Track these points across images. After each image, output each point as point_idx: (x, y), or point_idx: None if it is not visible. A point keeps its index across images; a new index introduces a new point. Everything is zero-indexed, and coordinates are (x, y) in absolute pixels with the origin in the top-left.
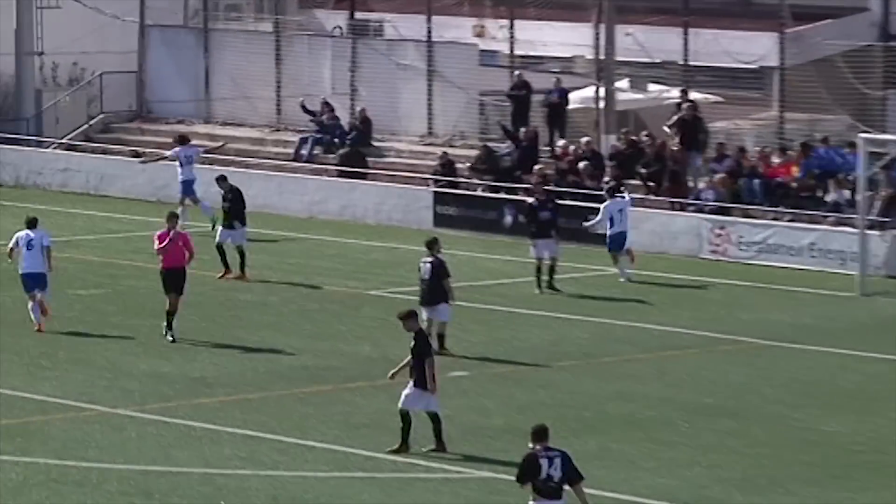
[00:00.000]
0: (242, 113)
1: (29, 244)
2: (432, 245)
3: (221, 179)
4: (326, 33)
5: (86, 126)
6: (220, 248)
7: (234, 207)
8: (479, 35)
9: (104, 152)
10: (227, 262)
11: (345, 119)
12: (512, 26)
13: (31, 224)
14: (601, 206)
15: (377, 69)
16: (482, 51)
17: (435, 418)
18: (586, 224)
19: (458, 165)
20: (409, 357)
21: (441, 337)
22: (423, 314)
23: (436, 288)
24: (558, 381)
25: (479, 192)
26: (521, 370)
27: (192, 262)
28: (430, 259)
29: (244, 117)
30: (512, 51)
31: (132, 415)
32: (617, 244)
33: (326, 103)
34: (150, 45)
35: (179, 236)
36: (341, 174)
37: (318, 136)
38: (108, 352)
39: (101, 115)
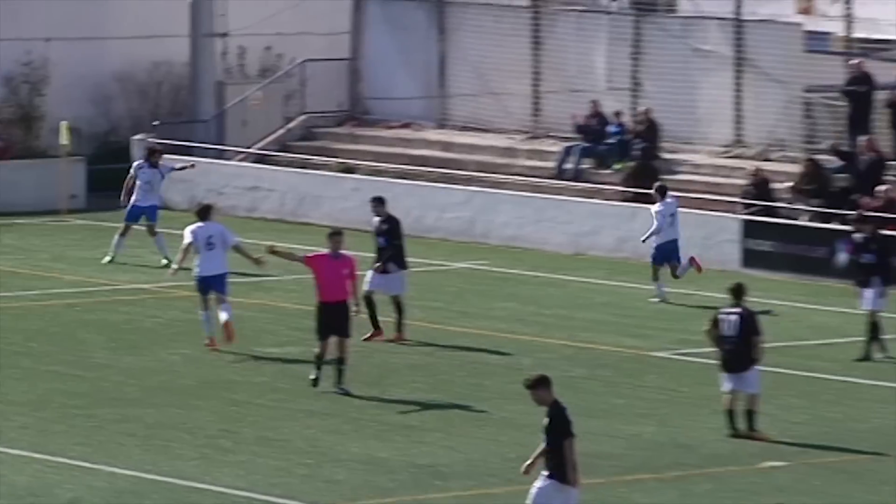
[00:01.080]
0: (488, 114)
1: (209, 242)
2: (739, 292)
3: (378, 202)
4: (601, 8)
5: (282, 131)
6: (368, 299)
7: (391, 243)
8: (805, 12)
9: (305, 166)
10: (377, 320)
11: (624, 122)
12: (848, 0)
13: (204, 213)
14: (652, 211)
15: (668, 56)
16: (808, 32)
17: None
18: (644, 238)
19: (776, 185)
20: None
21: (751, 415)
22: (725, 384)
23: (743, 349)
24: None
25: (803, 222)
26: (859, 461)
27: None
28: (736, 310)
29: (490, 120)
30: (849, 32)
31: None
32: (664, 255)
33: (597, 113)
34: (367, 23)
35: (344, 261)
36: (620, 196)
37: (588, 145)
38: (308, 430)
39: (301, 117)
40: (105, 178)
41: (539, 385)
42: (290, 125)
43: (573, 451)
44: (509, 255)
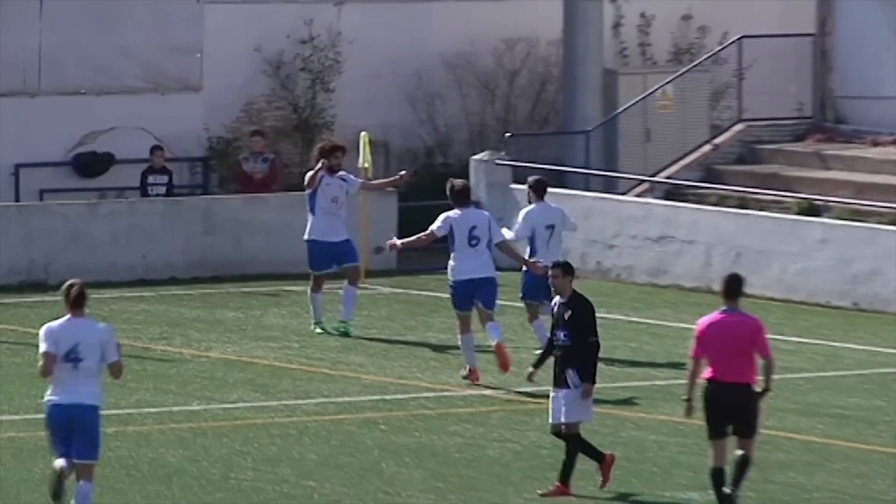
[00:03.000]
0: None
1: (472, 236)
2: None
3: (561, 271)
4: None
5: (707, 148)
6: (559, 435)
7: (577, 341)
8: None
9: (743, 204)
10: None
11: None
12: None
13: (463, 196)
14: (521, 213)
15: None
16: None
17: None
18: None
19: None
20: None
21: None
22: None
23: None
24: None
25: None
26: None
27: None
28: None
29: None
30: None
31: None
32: (538, 286)
33: None
34: None
35: (745, 323)
36: None
37: None
38: None
39: (737, 126)
40: (427, 221)
41: None
42: (720, 139)
43: None
44: None
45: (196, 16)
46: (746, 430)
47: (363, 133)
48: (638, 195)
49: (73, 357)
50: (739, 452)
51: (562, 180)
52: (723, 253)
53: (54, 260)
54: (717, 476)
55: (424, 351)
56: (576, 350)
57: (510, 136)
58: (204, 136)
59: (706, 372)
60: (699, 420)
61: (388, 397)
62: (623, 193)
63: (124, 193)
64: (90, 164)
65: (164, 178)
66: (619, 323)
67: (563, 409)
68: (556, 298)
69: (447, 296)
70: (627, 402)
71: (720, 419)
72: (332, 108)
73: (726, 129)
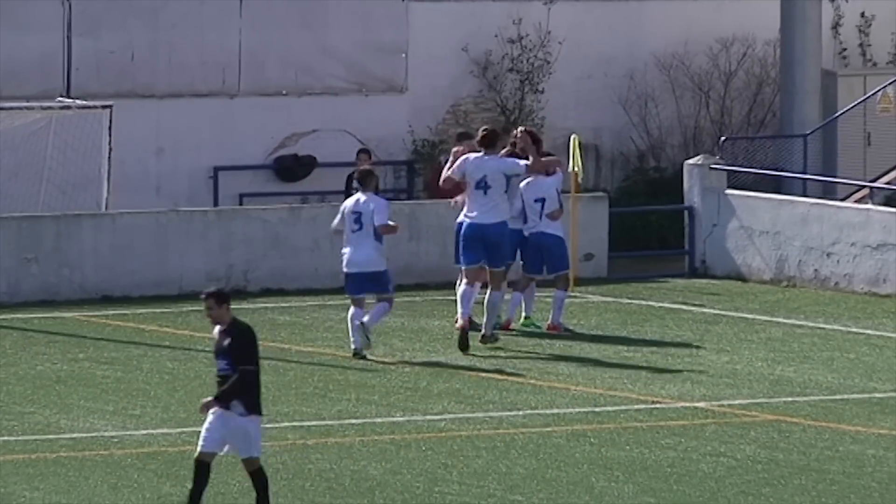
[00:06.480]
0: None
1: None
2: None
3: (214, 300)
4: None
5: None
6: (200, 465)
7: (237, 368)
8: None
9: None
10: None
11: None
12: None
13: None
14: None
15: None
16: None
17: None
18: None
19: None
20: None
21: None
22: None
23: None
24: None
25: None
26: None
27: None
28: None
29: None
30: None
31: None
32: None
33: None
34: None
35: None
36: None
37: None
38: None
39: None
40: (639, 228)
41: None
42: None
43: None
44: None
45: (401, 15)
46: None
47: (573, 136)
48: (857, 201)
49: (482, 185)
50: None
51: (779, 185)
52: None
53: (254, 266)
54: None
55: (636, 361)
56: (236, 378)
57: (725, 139)
58: (409, 139)
59: None
60: None
61: (597, 409)
62: (842, 199)
63: (326, 198)
64: (291, 168)
65: None
66: (838, 333)
67: (222, 436)
68: (217, 328)
69: (660, 304)
70: (845, 414)
71: None
72: (541, 110)
73: None
